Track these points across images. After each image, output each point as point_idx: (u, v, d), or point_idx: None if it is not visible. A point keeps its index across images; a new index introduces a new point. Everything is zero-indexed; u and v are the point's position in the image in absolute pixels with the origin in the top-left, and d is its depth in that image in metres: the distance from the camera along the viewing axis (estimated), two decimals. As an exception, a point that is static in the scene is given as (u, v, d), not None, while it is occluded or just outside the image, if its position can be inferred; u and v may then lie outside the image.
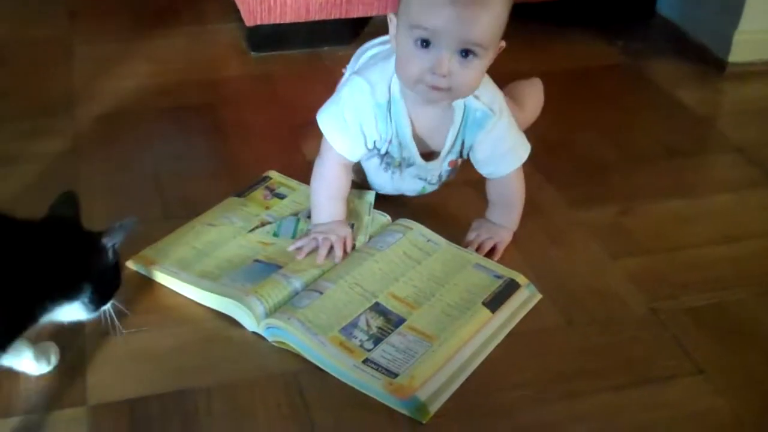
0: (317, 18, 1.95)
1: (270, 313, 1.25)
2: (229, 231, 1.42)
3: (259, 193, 1.51)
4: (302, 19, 1.95)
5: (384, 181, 1.48)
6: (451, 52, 1.24)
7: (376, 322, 1.26)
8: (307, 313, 1.24)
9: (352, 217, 1.44)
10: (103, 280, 1.13)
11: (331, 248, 1.38)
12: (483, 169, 1.44)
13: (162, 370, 1.20)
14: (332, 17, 1.96)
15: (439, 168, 1.44)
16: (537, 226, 1.48)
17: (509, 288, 1.33)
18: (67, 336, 1.22)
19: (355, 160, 1.41)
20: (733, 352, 1.27)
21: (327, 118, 1.38)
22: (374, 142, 1.39)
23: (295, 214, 1.47)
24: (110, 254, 1.14)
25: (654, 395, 1.20)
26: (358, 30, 2.05)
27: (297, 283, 1.31)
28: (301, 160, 1.63)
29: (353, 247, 1.40)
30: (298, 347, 1.21)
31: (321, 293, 1.29)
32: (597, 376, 1.22)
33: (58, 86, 1.84)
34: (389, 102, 1.36)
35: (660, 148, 1.73)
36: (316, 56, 2.01)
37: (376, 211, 1.48)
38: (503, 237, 1.43)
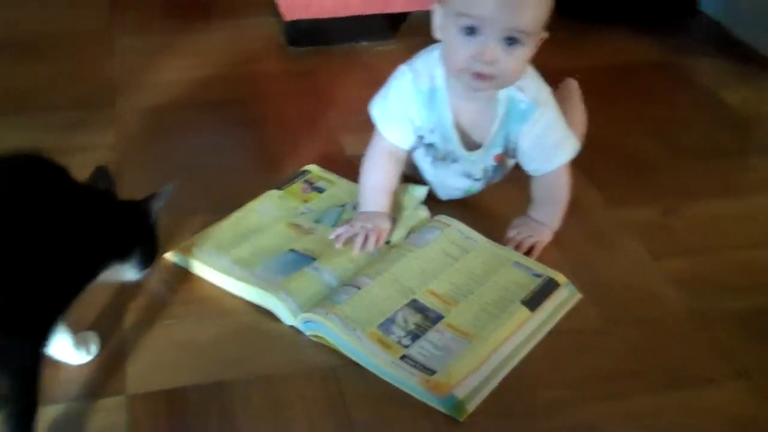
0: (356, 13, 1.95)
1: (302, 307, 1.25)
2: (269, 219, 1.43)
3: (298, 186, 1.51)
4: (341, 15, 1.95)
5: (432, 177, 1.49)
6: (496, 39, 1.26)
7: (414, 318, 1.25)
8: (345, 309, 1.24)
9: (395, 210, 1.44)
10: (149, 243, 1.20)
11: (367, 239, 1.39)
12: (528, 165, 1.43)
13: (200, 361, 1.20)
14: (371, 12, 1.96)
15: (484, 162, 1.44)
16: (578, 225, 1.46)
17: (548, 287, 1.32)
18: (106, 325, 1.23)
19: (406, 147, 1.42)
20: (776, 356, 1.25)
21: (377, 108, 1.41)
22: (418, 128, 1.41)
23: (342, 206, 1.47)
24: (154, 218, 1.21)
25: (694, 399, 1.18)
26: (396, 26, 2.04)
27: (329, 277, 1.31)
28: (339, 153, 1.63)
29: (387, 242, 1.40)
30: (336, 342, 1.21)
31: (359, 288, 1.28)
32: (636, 377, 1.21)
33: (100, 79, 1.86)
34: (431, 90, 1.37)
35: (704, 148, 1.71)
36: (354, 51, 2.00)
37: (422, 207, 1.48)
38: (543, 236, 1.42)
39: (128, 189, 1.50)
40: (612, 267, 1.40)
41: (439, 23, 1.32)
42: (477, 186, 1.49)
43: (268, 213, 1.44)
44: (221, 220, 1.42)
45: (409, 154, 1.46)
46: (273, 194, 1.49)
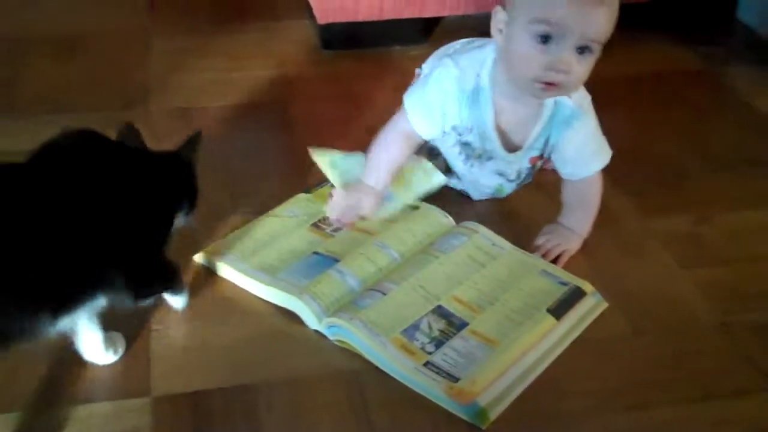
0: (390, 17, 1.95)
1: (327, 311, 1.26)
2: (293, 223, 1.44)
3: (327, 189, 1.51)
4: (375, 18, 1.95)
5: (462, 172, 1.49)
6: (571, 47, 1.25)
7: (438, 325, 1.25)
8: (369, 314, 1.24)
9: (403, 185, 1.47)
10: (195, 189, 1.26)
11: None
12: (564, 168, 1.43)
13: (225, 363, 1.20)
14: (405, 16, 1.96)
15: (520, 163, 1.44)
16: (607, 233, 1.45)
17: (575, 295, 1.31)
18: (132, 326, 1.24)
19: (425, 138, 1.43)
20: (807, 369, 1.23)
21: (412, 96, 1.42)
22: (454, 127, 1.41)
23: None
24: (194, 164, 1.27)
25: (723, 410, 1.17)
26: (430, 30, 2.04)
27: (352, 281, 1.31)
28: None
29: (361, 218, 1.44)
30: (359, 347, 1.21)
31: (384, 294, 1.28)
32: (664, 388, 1.20)
33: (136, 79, 1.88)
34: (475, 90, 1.37)
35: (737, 157, 1.69)
36: (387, 55, 2.00)
37: (438, 209, 1.48)
38: (572, 244, 1.41)
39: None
40: (640, 276, 1.38)
41: (502, 29, 1.31)
42: (509, 186, 1.50)
43: (294, 217, 1.45)
44: (247, 224, 1.43)
45: (437, 151, 1.47)
46: (301, 198, 1.50)
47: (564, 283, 1.33)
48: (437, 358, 1.20)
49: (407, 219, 1.45)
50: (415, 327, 1.24)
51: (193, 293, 1.30)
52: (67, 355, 1.18)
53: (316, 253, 1.37)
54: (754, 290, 1.36)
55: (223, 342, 1.24)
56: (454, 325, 1.26)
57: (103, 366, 1.18)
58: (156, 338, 1.24)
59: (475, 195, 1.53)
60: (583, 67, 1.28)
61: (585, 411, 1.16)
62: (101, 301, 1.10)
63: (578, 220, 1.43)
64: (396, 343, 1.21)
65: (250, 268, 1.33)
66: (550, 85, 1.29)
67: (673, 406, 1.17)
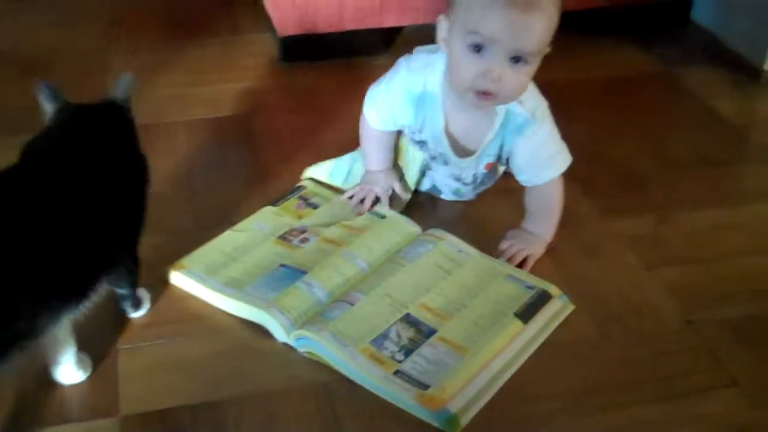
0: (350, 28, 1.96)
1: (295, 323, 1.25)
2: (259, 236, 1.43)
3: (293, 202, 1.51)
4: (335, 30, 1.95)
5: (432, 172, 1.52)
6: (502, 57, 1.26)
7: (407, 333, 1.25)
8: (337, 325, 1.24)
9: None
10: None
11: (377, 199, 1.50)
12: (519, 175, 1.44)
13: (193, 380, 1.20)
14: (365, 27, 1.97)
15: (474, 168, 1.45)
16: (571, 236, 1.47)
17: (541, 299, 1.32)
18: (100, 346, 1.23)
19: (383, 129, 1.48)
20: (771, 364, 1.25)
21: (370, 91, 1.47)
22: (408, 126, 1.45)
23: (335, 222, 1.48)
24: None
25: (690, 409, 1.18)
26: (390, 40, 2.05)
27: (320, 293, 1.31)
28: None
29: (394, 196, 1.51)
30: (329, 359, 1.21)
31: (351, 304, 1.28)
32: (632, 388, 1.21)
33: (96, 96, 1.85)
34: (422, 95, 1.39)
35: (696, 157, 1.71)
36: (349, 66, 2.01)
37: (405, 217, 1.48)
38: (537, 249, 1.42)
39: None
40: (606, 277, 1.40)
41: (444, 36, 1.32)
42: (466, 190, 1.51)
43: (260, 231, 1.45)
44: (213, 239, 1.42)
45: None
46: (267, 211, 1.49)
47: (530, 287, 1.34)
48: (407, 367, 1.20)
49: (375, 228, 1.45)
50: (384, 336, 1.24)
51: (159, 310, 1.30)
52: (34, 377, 1.18)
53: (283, 265, 1.37)
54: (717, 288, 1.38)
55: (191, 358, 1.23)
56: (422, 332, 1.26)
57: (71, 386, 1.17)
58: (123, 357, 1.23)
59: (445, 194, 1.55)
60: (517, 77, 1.29)
61: (554, 414, 1.17)
62: (101, 292, 1.13)
63: (541, 225, 1.44)
64: (365, 353, 1.21)
65: (217, 284, 1.33)
66: (484, 95, 1.30)
67: (642, 406, 1.18)
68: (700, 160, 1.71)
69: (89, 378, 1.18)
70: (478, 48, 1.27)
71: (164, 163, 1.65)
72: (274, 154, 1.68)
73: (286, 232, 1.44)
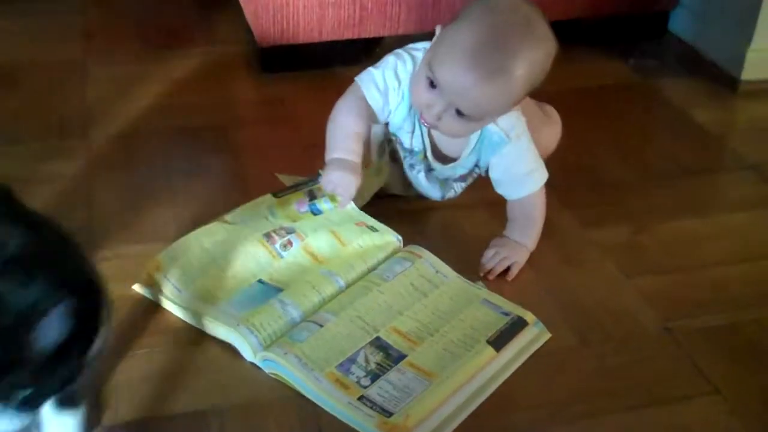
0: (330, 39, 1.96)
1: (265, 343, 1.23)
2: (243, 233, 1.39)
3: (296, 197, 1.46)
4: (315, 40, 1.96)
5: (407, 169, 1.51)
6: (448, 104, 1.28)
7: (376, 357, 1.23)
8: (304, 348, 1.21)
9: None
10: None
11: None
12: (497, 188, 1.45)
13: (175, 390, 1.19)
14: (345, 38, 1.97)
15: (448, 174, 1.48)
16: (551, 245, 1.47)
17: (516, 326, 1.29)
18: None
19: (375, 108, 1.40)
20: (749, 372, 1.26)
21: (364, 73, 1.42)
22: (392, 106, 1.41)
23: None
24: None
25: (670, 416, 1.19)
26: (371, 49, 2.05)
27: (295, 313, 1.28)
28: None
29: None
30: (293, 382, 1.18)
31: (321, 326, 1.25)
32: (612, 396, 1.21)
33: (73, 108, 1.85)
34: (402, 99, 1.40)
35: (673, 167, 1.73)
36: (328, 76, 2.01)
37: (390, 230, 1.44)
38: (520, 257, 1.42)
39: (101, 217, 1.51)
40: (585, 286, 1.40)
41: (423, 55, 1.35)
42: (434, 190, 1.52)
43: (242, 227, 1.40)
44: (197, 229, 1.39)
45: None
46: (265, 201, 1.46)
47: (506, 314, 1.31)
48: (372, 392, 1.17)
49: (360, 243, 1.41)
50: (352, 360, 1.22)
51: (141, 320, 1.29)
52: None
53: (260, 281, 1.34)
54: (696, 297, 1.39)
55: (172, 368, 1.23)
56: (391, 357, 1.23)
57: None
58: (104, 367, 1.21)
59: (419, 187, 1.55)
60: (458, 124, 1.31)
61: (535, 423, 1.17)
62: None
63: (523, 233, 1.44)
64: (330, 378, 1.18)
65: (191, 298, 1.29)
66: (427, 122, 1.33)
67: (622, 413, 1.19)
68: (677, 169, 1.72)
69: (70, 389, 1.18)
70: (432, 83, 1.29)
71: (143, 173, 1.65)
72: (253, 165, 1.68)
73: (272, 230, 1.40)
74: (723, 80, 2.02)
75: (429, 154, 1.44)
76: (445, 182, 1.51)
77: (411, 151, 1.46)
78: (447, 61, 1.26)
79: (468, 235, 1.51)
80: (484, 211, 1.54)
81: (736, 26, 1.99)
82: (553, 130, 1.61)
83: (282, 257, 1.38)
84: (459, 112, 1.29)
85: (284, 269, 1.36)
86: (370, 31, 1.98)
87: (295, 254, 1.38)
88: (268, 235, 1.39)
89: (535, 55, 1.26)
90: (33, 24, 2.20)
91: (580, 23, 2.11)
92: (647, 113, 1.94)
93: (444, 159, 1.45)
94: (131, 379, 1.21)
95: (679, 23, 2.20)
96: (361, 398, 1.16)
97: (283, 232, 1.40)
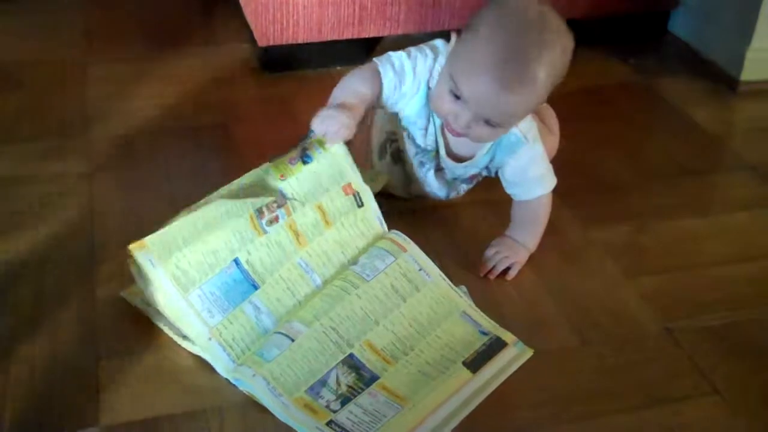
0: (330, 38, 1.96)
1: (237, 359, 1.21)
2: (237, 208, 1.28)
3: (289, 155, 1.35)
4: (315, 40, 1.96)
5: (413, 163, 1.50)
6: (474, 114, 1.28)
7: (347, 379, 1.19)
8: (273, 369, 1.18)
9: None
10: None
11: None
12: (509, 189, 1.45)
13: (174, 390, 1.19)
14: (345, 37, 1.97)
15: (459, 173, 1.47)
16: (551, 245, 1.47)
17: (494, 347, 1.26)
18: (79, 356, 1.23)
19: (386, 86, 1.37)
20: (750, 371, 1.26)
21: (383, 55, 1.39)
22: (400, 99, 1.39)
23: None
24: None
25: (671, 416, 1.19)
26: (370, 49, 2.05)
27: (268, 321, 1.24)
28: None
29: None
30: (263, 403, 1.16)
31: (292, 340, 1.21)
32: (613, 396, 1.21)
33: (73, 107, 1.85)
34: (420, 96, 1.39)
35: (673, 167, 1.73)
36: (328, 76, 2.01)
37: (378, 211, 1.38)
38: (521, 257, 1.43)
39: (102, 217, 1.51)
40: (585, 286, 1.41)
41: (442, 63, 1.34)
42: (441, 189, 1.52)
43: (237, 202, 1.29)
44: (194, 212, 1.28)
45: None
46: (262, 168, 1.36)
47: (485, 333, 1.29)
48: (341, 417, 1.15)
49: (343, 224, 1.34)
50: (322, 383, 1.18)
51: (138, 321, 1.29)
52: (16, 383, 1.18)
53: (236, 262, 1.25)
54: (696, 296, 1.39)
55: (171, 368, 1.23)
56: (363, 379, 1.20)
57: (51, 397, 1.16)
58: (104, 367, 1.22)
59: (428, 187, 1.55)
60: (489, 132, 1.31)
61: (534, 423, 1.17)
62: None
63: (526, 234, 1.44)
64: (298, 404, 1.15)
65: (164, 276, 1.20)
66: (455, 131, 1.34)
67: (622, 413, 1.19)
68: (677, 169, 1.72)
69: (70, 388, 1.18)
70: (456, 96, 1.28)
71: (143, 172, 1.65)
72: (253, 164, 1.67)
73: (264, 205, 1.29)
74: (723, 80, 2.02)
75: (442, 152, 1.44)
76: (452, 182, 1.51)
77: (423, 149, 1.46)
78: (469, 76, 1.25)
79: (469, 234, 1.51)
80: (485, 209, 1.54)
81: (736, 26, 1.99)
82: (553, 141, 1.62)
83: (266, 232, 1.28)
84: (487, 121, 1.29)
85: (264, 249, 1.28)
86: (369, 31, 1.98)
87: (278, 230, 1.29)
88: (259, 210, 1.29)
89: (553, 56, 1.26)
90: (34, 23, 2.20)
91: (580, 23, 2.11)
92: (647, 113, 1.94)
93: (456, 158, 1.45)
94: (131, 378, 1.21)
95: (680, 23, 2.20)
96: (329, 423, 1.14)
97: (274, 206, 1.30)
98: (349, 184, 1.36)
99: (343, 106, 1.34)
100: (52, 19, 2.22)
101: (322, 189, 1.33)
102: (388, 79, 1.37)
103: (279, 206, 1.31)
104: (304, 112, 1.84)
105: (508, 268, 1.42)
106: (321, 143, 1.35)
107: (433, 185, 1.51)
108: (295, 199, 1.32)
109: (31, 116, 1.82)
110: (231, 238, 1.26)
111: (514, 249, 1.43)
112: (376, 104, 1.40)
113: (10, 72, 1.99)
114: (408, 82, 1.38)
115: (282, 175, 1.32)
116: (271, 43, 1.94)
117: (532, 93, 1.27)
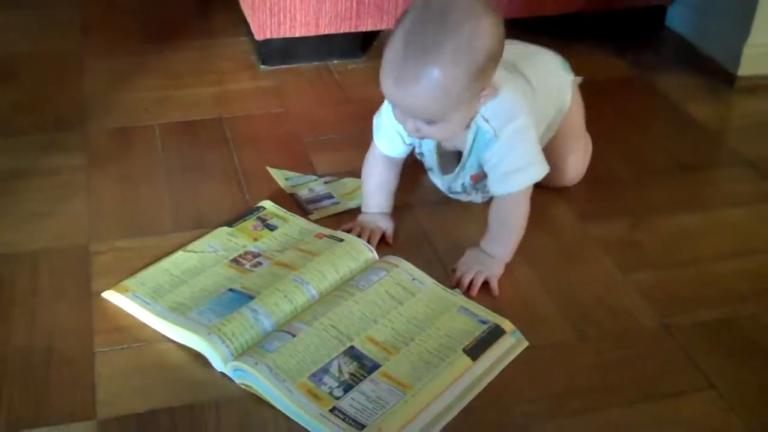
0: (327, 32, 1.96)
1: (235, 353, 1.21)
2: (211, 258, 1.38)
3: (250, 223, 1.46)
4: (312, 33, 1.95)
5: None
6: (411, 117, 1.29)
7: (349, 367, 1.20)
8: (276, 358, 1.18)
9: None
10: None
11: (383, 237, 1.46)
12: (489, 185, 1.42)
13: (170, 383, 1.19)
14: (342, 31, 1.97)
15: (462, 179, 1.47)
16: (548, 240, 1.47)
17: (493, 335, 1.26)
18: (75, 349, 1.23)
19: (395, 156, 1.46)
20: (746, 367, 1.26)
21: (375, 118, 1.46)
22: (410, 144, 1.45)
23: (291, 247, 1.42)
24: None
25: (667, 411, 1.19)
26: (368, 43, 2.05)
27: (266, 322, 1.25)
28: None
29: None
30: (264, 393, 1.16)
31: (293, 336, 1.22)
32: (609, 391, 1.21)
33: (71, 100, 1.85)
34: None
35: (671, 162, 1.73)
36: (325, 69, 2.01)
37: (362, 242, 1.42)
38: (494, 270, 1.38)
39: (98, 211, 1.51)
40: (582, 281, 1.40)
41: None
42: (463, 197, 1.54)
43: (213, 252, 1.39)
44: (162, 260, 1.38)
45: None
46: (222, 231, 1.44)
47: (483, 321, 1.29)
48: (344, 404, 1.15)
49: (331, 252, 1.38)
50: (324, 371, 1.19)
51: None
52: (10, 380, 1.17)
53: (231, 290, 1.31)
54: (692, 292, 1.39)
55: (167, 362, 1.23)
56: (365, 367, 1.20)
57: (48, 390, 1.16)
58: (100, 360, 1.22)
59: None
60: (438, 129, 1.31)
61: (531, 417, 1.17)
62: None
63: (498, 244, 1.40)
64: (302, 389, 1.15)
65: (162, 309, 1.27)
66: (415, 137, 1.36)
67: (619, 408, 1.19)
68: (674, 164, 1.72)
69: (66, 381, 1.18)
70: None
71: (141, 166, 1.65)
72: (250, 157, 1.68)
73: (239, 255, 1.39)
74: (720, 75, 2.02)
75: (436, 167, 1.48)
76: (471, 186, 1.49)
77: (431, 169, 1.51)
78: (383, 83, 1.27)
79: (470, 237, 1.50)
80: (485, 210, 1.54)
81: (733, 22, 1.99)
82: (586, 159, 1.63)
83: (253, 272, 1.36)
84: (426, 121, 1.29)
85: (256, 278, 1.34)
86: (366, 25, 1.98)
87: (266, 267, 1.37)
88: (236, 260, 1.38)
89: (459, 40, 1.22)
90: (31, 17, 2.20)
91: (577, 18, 2.11)
92: (644, 108, 1.94)
93: (450, 168, 1.47)
94: (126, 372, 1.21)
95: (677, 18, 2.20)
96: (333, 410, 1.14)
97: (250, 255, 1.39)
98: (320, 233, 1.45)
99: (376, 214, 1.48)
100: (50, 13, 2.22)
101: (297, 240, 1.44)
102: (388, 148, 1.45)
103: (255, 256, 1.39)
104: (300, 106, 1.86)
105: (486, 285, 1.37)
106: (277, 215, 1.48)
107: (461, 196, 1.53)
108: (273, 250, 1.41)
109: (28, 109, 1.82)
110: (218, 280, 1.34)
111: (485, 263, 1.38)
112: (406, 161, 1.49)
113: (8, 65, 1.98)
114: (388, 128, 1.42)
115: (255, 239, 1.43)
116: (269, 36, 1.94)
117: (439, 81, 1.23)
